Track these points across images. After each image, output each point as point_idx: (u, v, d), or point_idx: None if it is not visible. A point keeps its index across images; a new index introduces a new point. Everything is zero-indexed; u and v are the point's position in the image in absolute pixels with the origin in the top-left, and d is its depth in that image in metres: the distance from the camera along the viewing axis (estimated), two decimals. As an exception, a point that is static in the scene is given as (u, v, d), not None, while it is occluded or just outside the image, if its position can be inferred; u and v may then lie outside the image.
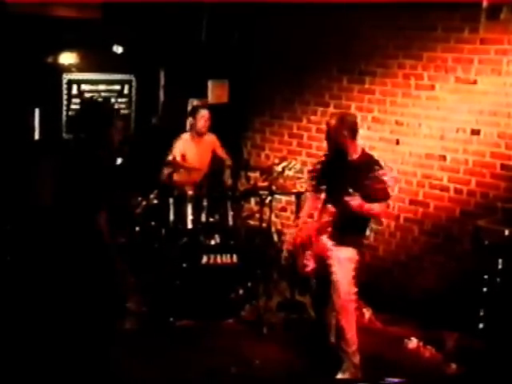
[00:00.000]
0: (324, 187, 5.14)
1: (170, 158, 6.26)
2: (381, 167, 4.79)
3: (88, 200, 4.52)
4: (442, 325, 5.60)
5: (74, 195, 4.58)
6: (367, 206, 4.68)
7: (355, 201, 4.64)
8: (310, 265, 5.06)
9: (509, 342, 5.13)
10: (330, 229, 4.94)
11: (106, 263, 4.60)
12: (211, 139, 6.60)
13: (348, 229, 4.88)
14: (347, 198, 4.64)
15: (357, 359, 4.95)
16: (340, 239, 4.90)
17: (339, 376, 4.94)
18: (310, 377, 5.04)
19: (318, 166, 5.31)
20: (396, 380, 4.71)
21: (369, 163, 4.82)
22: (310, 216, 5.27)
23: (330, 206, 4.93)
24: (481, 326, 5.33)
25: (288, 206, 7.02)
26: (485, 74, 5.73)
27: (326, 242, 4.96)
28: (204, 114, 6.43)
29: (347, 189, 4.64)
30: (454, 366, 5.21)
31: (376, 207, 4.78)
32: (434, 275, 6.03)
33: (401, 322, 5.81)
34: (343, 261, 4.91)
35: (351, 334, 4.93)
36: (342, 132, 4.83)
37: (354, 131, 4.88)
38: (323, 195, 5.16)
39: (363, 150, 4.96)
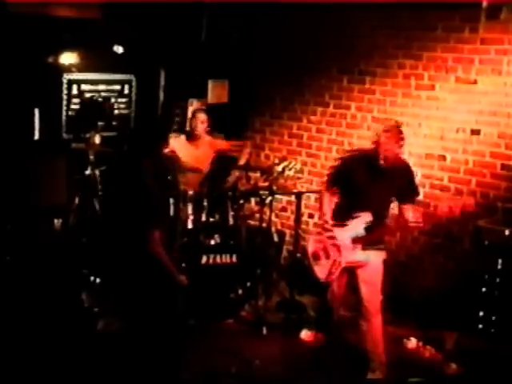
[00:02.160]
0: (345, 190, 5.00)
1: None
2: (411, 169, 4.94)
3: (139, 215, 4.37)
4: (442, 325, 5.59)
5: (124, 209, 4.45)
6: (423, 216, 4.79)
7: (417, 218, 4.74)
8: (336, 273, 4.95)
9: (509, 342, 5.13)
10: (366, 241, 4.85)
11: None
12: (212, 146, 6.53)
13: (381, 235, 4.92)
14: (411, 215, 4.75)
15: (384, 358, 4.98)
16: (373, 244, 4.87)
17: (369, 375, 4.97)
18: (310, 377, 5.05)
19: (339, 168, 5.10)
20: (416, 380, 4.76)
21: (403, 169, 4.89)
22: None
23: (366, 215, 4.81)
24: (481, 326, 5.33)
25: (288, 206, 7.02)
26: (485, 74, 5.73)
27: (363, 256, 4.88)
28: (200, 117, 6.37)
29: (392, 195, 4.77)
30: (453, 366, 5.20)
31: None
32: (433, 275, 6.03)
33: (401, 322, 5.80)
34: (378, 265, 4.91)
35: (380, 334, 4.96)
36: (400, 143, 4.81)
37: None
38: (339, 198, 5.07)
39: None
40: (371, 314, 4.92)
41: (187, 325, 5.49)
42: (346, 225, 4.89)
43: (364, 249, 4.86)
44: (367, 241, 4.84)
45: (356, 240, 4.84)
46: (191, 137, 6.38)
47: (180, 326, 4.66)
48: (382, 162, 4.76)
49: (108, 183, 5.50)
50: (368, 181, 4.81)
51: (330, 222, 4.98)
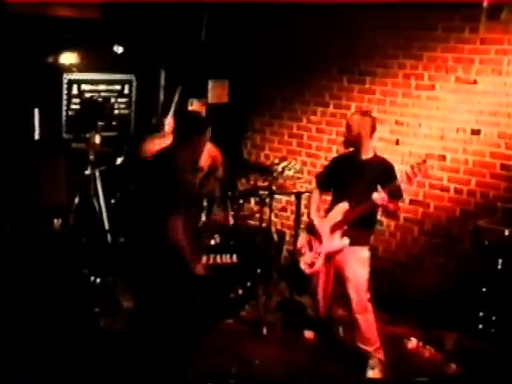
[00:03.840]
0: (331, 187, 5.20)
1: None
2: (392, 166, 4.97)
3: (161, 201, 4.33)
4: (442, 325, 5.60)
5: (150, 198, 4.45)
6: (392, 203, 4.83)
7: (382, 198, 4.74)
8: (318, 263, 5.10)
9: (509, 342, 5.13)
10: (343, 228, 4.97)
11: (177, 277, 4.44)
12: (208, 150, 6.47)
13: (362, 228, 4.98)
14: (376, 195, 4.74)
15: (381, 355, 5.01)
16: (355, 238, 4.96)
17: (369, 373, 5.00)
18: (310, 377, 5.05)
19: (326, 166, 5.41)
20: (423, 380, 4.77)
21: (382, 163, 4.98)
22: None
23: (342, 204, 4.97)
24: (481, 326, 5.33)
25: (288, 206, 7.03)
26: (485, 74, 5.73)
27: (339, 242, 4.99)
28: None
29: (371, 186, 4.75)
30: (453, 366, 5.21)
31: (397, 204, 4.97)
32: (433, 275, 6.03)
33: (401, 321, 5.80)
34: (362, 260, 4.99)
35: (371, 332, 5.00)
36: (365, 127, 4.93)
37: (373, 129, 4.99)
38: (329, 195, 5.25)
39: (375, 152, 5.03)
40: (358, 311, 4.97)
41: (202, 323, 5.45)
42: (326, 216, 5.11)
43: (343, 236, 4.98)
44: (347, 234, 4.95)
45: (334, 227, 5.00)
46: None
47: (195, 323, 4.65)
48: (360, 155, 4.94)
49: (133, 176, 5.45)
50: (347, 173, 5.01)
51: (314, 218, 5.21)
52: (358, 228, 4.95)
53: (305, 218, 6.74)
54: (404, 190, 4.98)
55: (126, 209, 5.81)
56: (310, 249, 5.18)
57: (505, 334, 5.22)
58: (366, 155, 4.98)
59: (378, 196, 4.75)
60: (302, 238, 5.36)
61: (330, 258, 5.08)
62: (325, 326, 5.48)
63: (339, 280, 5.13)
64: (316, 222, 5.20)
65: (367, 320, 4.98)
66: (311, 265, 5.16)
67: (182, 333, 4.50)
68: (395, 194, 4.86)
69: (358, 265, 4.98)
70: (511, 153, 5.68)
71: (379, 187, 4.73)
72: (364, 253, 5.02)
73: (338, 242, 5.01)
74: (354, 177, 4.95)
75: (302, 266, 5.23)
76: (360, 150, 4.97)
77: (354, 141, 4.96)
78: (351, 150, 5.05)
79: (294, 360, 5.25)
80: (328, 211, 5.17)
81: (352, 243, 4.97)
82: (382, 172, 4.92)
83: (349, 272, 4.99)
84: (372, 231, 5.17)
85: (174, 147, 4.48)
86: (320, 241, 5.10)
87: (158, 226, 4.31)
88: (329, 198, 5.28)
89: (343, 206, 4.99)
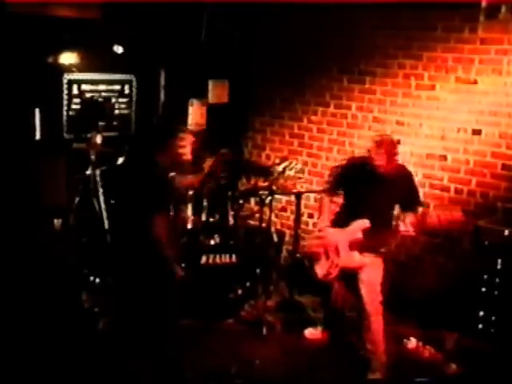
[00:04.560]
0: (344, 191, 5.16)
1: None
2: (413, 177, 5.02)
3: (143, 201, 4.41)
4: (442, 325, 5.59)
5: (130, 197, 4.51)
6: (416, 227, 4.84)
7: (408, 230, 4.80)
8: (334, 273, 5.07)
9: (509, 342, 5.13)
10: (362, 246, 4.94)
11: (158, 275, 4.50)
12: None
13: (379, 238, 4.96)
14: (402, 227, 4.80)
15: (384, 358, 5.01)
16: (372, 247, 4.95)
17: (370, 376, 5.00)
18: (310, 377, 5.05)
19: (339, 171, 5.25)
20: (423, 380, 4.76)
21: (403, 176, 4.97)
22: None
23: (363, 221, 4.90)
24: (481, 326, 5.33)
25: (288, 206, 7.02)
26: (485, 74, 5.72)
27: (359, 259, 4.97)
28: (186, 138, 6.30)
29: (392, 202, 4.86)
30: (453, 366, 5.21)
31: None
32: (433, 275, 6.03)
33: (401, 321, 5.79)
34: (376, 264, 4.98)
35: (381, 334, 4.99)
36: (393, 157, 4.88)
37: None
38: (340, 198, 5.22)
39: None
40: (371, 314, 4.96)
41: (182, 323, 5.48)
42: (344, 228, 5.01)
43: (361, 253, 4.95)
44: (365, 246, 4.92)
45: (353, 244, 4.94)
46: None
47: (173, 322, 4.69)
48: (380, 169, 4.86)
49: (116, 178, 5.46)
50: (367, 187, 4.91)
51: (328, 225, 5.13)
52: (376, 240, 4.94)
53: (305, 218, 6.77)
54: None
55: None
56: (327, 257, 5.08)
57: (505, 334, 5.22)
58: (385, 170, 4.86)
59: (405, 228, 4.80)
60: (317, 244, 5.21)
61: (345, 268, 5.06)
62: (336, 322, 5.48)
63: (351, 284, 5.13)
64: (331, 231, 5.10)
65: (378, 322, 4.98)
66: (327, 274, 5.10)
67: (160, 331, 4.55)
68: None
69: (372, 267, 4.97)
70: (512, 153, 5.69)
71: (407, 221, 4.77)
72: (379, 257, 5.02)
73: (358, 259, 4.96)
74: (377, 192, 4.85)
75: (317, 272, 5.16)
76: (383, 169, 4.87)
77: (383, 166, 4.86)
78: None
79: (294, 360, 5.25)
80: (340, 217, 5.11)
81: (369, 251, 4.95)
82: (405, 190, 4.92)
83: (363, 274, 4.97)
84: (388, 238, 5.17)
85: (152, 148, 4.56)
86: (337, 253, 5.01)
87: (142, 224, 4.38)
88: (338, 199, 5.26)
89: (363, 224, 4.90)
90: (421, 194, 5.03)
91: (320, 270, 5.13)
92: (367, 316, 4.96)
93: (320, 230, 5.22)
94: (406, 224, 4.79)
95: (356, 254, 4.96)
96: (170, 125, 6.77)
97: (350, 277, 5.10)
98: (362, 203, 4.94)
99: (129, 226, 4.53)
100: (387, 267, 5.05)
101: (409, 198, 4.94)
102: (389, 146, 4.88)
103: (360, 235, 4.92)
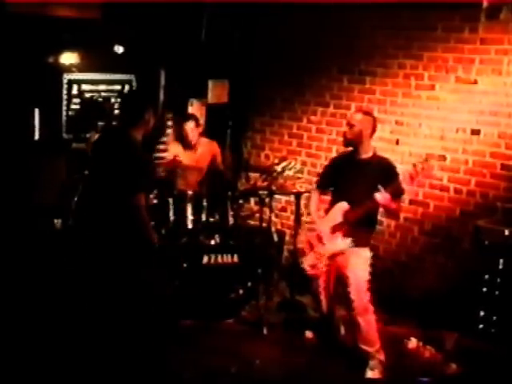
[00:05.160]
0: (331, 187, 5.20)
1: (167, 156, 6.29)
2: (393, 165, 4.98)
3: (124, 179, 4.48)
4: (442, 325, 5.59)
5: (110, 174, 4.58)
6: (394, 202, 4.83)
7: (385, 197, 4.75)
8: (320, 264, 5.08)
9: (509, 342, 5.13)
10: (344, 229, 4.96)
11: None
12: (209, 147, 6.54)
13: (363, 228, 4.97)
14: (378, 195, 4.75)
15: (382, 356, 5.00)
16: (356, 239, 4.94)
17: (368, 374, 4.99)
18: (310, 377, 5.05)
19: (326, 166, 5.39)
20: (423, 379, 4.75)
21: (382, 162, 4.99)
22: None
23: (342, 204, 4.97)
24: (481, 326, 5.33)
25: (288, 206, 7.03)
26: (485, 74, 5.73)
27: (341, 243, 4.98)
28: (188, 126, 6.37)
29: (371, 186, 4.75)
30: (453, 365, 5.20)
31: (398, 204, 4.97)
32: (434, 275, 6.03)
33: (401, 321, 5.80)
34: (362, 261, 4.98)
35: (372, 333, 4.98)
36: (366, 126, 4.94)
37: (374, 128, 5.02)
38: (329, 195, 5.25)
39: (374, 151, 5.03)
40: (359, 312, 4.95)
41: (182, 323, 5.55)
42: (325, 217, 5.11)
43: (344, 236, 4.96)
44: (349, 235, 4.93)
45: (334, 228, 4.99)
46: (187, 144, 6.41)
47: (162, 315, 4.76)
48: (360, 154, 4.95)
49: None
50: (347, 172, 5.02)
51: (315, 218, 5.23)
52: (359, 229, 4.94)
53: (305, 218, 6.76)
54: (405, 189, 4.96)
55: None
56: (311, 249, 5.16)
57: (505, 333, 5.22)
58: (366, 154, 4.98)
59: (381, 196, 4.75)
60: (303, 238, 5.35)
61: (331, 258, 5.07)
62: (327, 326, 5.48)
63: (340, 280, 5.13)
64: (316, 222, 5.21)
65: (368, 321, 4.97)
66: (313, 266, 5.14)
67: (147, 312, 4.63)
68: (396, 193, 4.86)
69: (358, 265, 4.97)
70: (511, 153, 5.68)
71: (381, 187, 4.73)
72: (365, 253, 5.02)
73: (340, 243, 4.99)
74: (354, 176, 4.95)
75: (305, 266, 5.20)
76: (360, 149, 4.97)
77: (354, 139, 4.97)
78: (351, 149, 5.05)
79: (295, 360, 5.24)
80: (327, 211, 5.17)
81: (354, 245, 4.95)
82: (383, 171, 4.92)
83: (350, 272, 4.97)
84: (373, 231, 5.16)
85: (124, 126, 4.63)
86: (321, 241, 5.09)
87: (119, 203, 4.44)
88: (328, 197, 5.28)
89: (342, 206, 4.98)
90: (404, 185, 4.87)
91: (307, 263, 5.17)
92: (357, 316, 4.95)
93: (310, 224, 5.33)
94: (381, 192, 4.74)
95: (339, 237, 4.98)
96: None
97: (338, 274, 5.11)
98: (343, 190, 5.03)
99: (109, 198, 4.58)
100: (386, 266, 5.06)
101: (389, 183, 4.82)
102: (348, 117, 5.06)
103: (340, 218, 4.96)
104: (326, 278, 5.21)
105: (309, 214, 5.45)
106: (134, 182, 4.45)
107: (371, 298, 5.00)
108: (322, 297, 5.30)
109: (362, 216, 4.90)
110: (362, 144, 4.96)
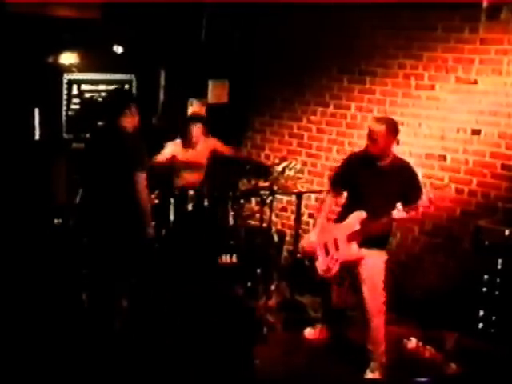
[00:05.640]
0: (346, 189, 5.14)
1: (160, 158, 6.30)
2: (415, 174, 4.95)
3: (121, 161, 4.67)
4: (442, 325, 5.59)
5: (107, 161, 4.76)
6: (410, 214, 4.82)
7: (402, 216, 4.79)
8: (334, 269, 5.04)
9: (509, 342, 5.13)
10: (360, 238, 4.91)
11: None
12: (207, 143, 6.54)
13: (380, 234, 4.93)
14: (396, 213, 4.79)
15: (384, 359, 5.01)
16: (374, 244, 4.92)
17: (368, 375, 4.99)
18: (310, 377, 5.05)
19: (340, 169, 5.26)
20: (423, 380, 4.76)
21: (402, 171, 4.90)
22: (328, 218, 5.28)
23: (360, 212, 4.91)
24: (481, 326, 5.33)
25: (288, 206, 7.03)
26: (485, 74, 5.73)
27: (357, 252, 4.94)
28: (195, 126, 6.37)
29: (391, 199, 4.78)
30: (453, 366, 5.20)
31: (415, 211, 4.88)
32: (434, 275, 6.03)
33: (401, 321, 5.79)
34: (378, 263, 4.95)
35: (382, 334, 4.99)
36: (390, 139, 4.85)
37: (396, 135, 4.93)
38: (343, 198, 5.21)
39: (394, 153, 4.94)
40: (372, 314, 4.94)
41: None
42: (342, 223, 5.02)
43: (361, 246, 4.92)
44: (365, 239, 4.89)
45: (351, 236, 4.93)
46: (188, 143, 6.39)
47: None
48: (380, 161, 4.85)
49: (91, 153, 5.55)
50: (365, 179, 4.91)
51: (323, 222, 5.18)
52: (377, 235, 4.91)
53: (305, 218, 6.77)
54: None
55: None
56: (326, 253, 5.07)
57: (505, 334, 5.22)
58: (387, 159, 4.87)
59: (398, 214, 4.78)
60: (315, 241, 5.18)
61: (344, 263, 5.02)
62: (330, 321, 5.48)
63: (353, 276, 5.10)
64: (331, 226, 5.13)
65: (379, 322, 4.96)
66: (327, 270, 5.07)
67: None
68: (415, 206, 4.82)
69: (374, 267, 4.93)
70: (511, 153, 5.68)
71: (399, 206, 4.75)
72: (382, 255, 4.98)
73: (356, 251, 4.93)
74: (374, 185, 4.85)
75: (318, 268, 5.12)
76: (382, 157, 4.87)
77: (379, 154, 4.84)
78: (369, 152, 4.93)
79: (295, 360, 5.24)
80: (341, 215, 5.10)
81: (370, 246, 4.92)
82: (403, 183, 4.85)
83: (365, 274, 4.94)
84: (389, 234, 5.10)
85: (113, 119, 4.85)
86: (336, 247, 5.01)
87: (119, 185, 4.68)
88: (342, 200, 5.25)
89: (360, 215, 4.90)
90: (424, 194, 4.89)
91: (320, 266, 5.11)
92: (369, 316, 4.94)
93: (322, 226, 5.19)
94: (399, 210, 4.75)
95: (354, 245, 4.93)
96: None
97: (351, 275, 5.10)
98: (360, 196, 4.95)
99: (111, 184, 4.78)
100: (389, 266, 5.05)
101: (409, 190, 4.84)
102: (370, 129, 4.87)
103: (357, 227, 4.91)
104: (339, 274, 5.17)
105: (311, 215, 5.40)
106: (131, 161, 4.59)
107: (385, 300, 4.99)
108: (334, 292, 5.32)
109: (379, 231, 4.88)
110: (385, 154, 4.87)
